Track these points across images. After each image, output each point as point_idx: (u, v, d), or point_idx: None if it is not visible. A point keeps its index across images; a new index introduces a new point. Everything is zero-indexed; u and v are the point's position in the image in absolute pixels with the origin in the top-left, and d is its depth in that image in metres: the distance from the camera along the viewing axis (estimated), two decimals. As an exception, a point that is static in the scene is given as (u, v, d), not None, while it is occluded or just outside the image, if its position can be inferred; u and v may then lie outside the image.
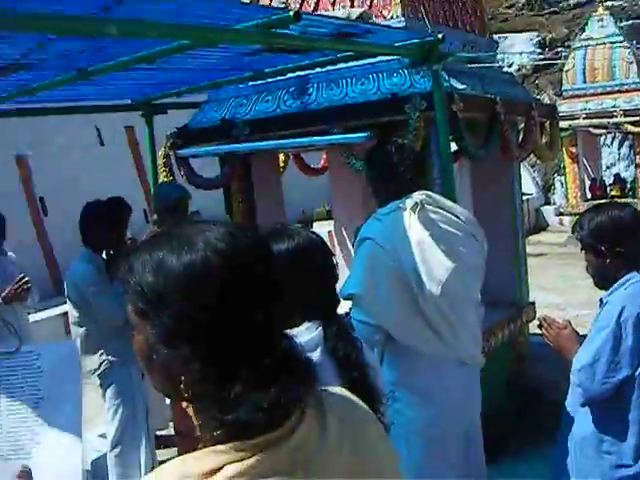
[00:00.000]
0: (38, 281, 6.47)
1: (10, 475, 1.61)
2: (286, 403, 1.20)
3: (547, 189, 21.12)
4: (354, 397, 1.47)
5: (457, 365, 3.55)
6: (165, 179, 6.07)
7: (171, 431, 5.84)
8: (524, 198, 15.72)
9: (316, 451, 1.24)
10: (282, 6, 5.41)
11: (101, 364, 4.95)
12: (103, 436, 5.46)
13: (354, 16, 4.32)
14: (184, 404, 1.29)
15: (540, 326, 3.37)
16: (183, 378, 1.22)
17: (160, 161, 6.07)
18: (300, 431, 1.22)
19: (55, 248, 12.33)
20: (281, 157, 7.15)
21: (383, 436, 1.49)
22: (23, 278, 5.56)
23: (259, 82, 5.50)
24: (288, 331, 1.32)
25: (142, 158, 13.15)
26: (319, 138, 4.94)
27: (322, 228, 13.51)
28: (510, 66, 22.10)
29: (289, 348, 1.28)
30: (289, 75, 5.28)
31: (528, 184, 19.03)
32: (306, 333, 2.19)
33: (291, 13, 3.10)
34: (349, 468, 1.30)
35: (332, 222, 7.74)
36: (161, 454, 5.44)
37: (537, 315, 6.29)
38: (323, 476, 1.24)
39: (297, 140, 5.07)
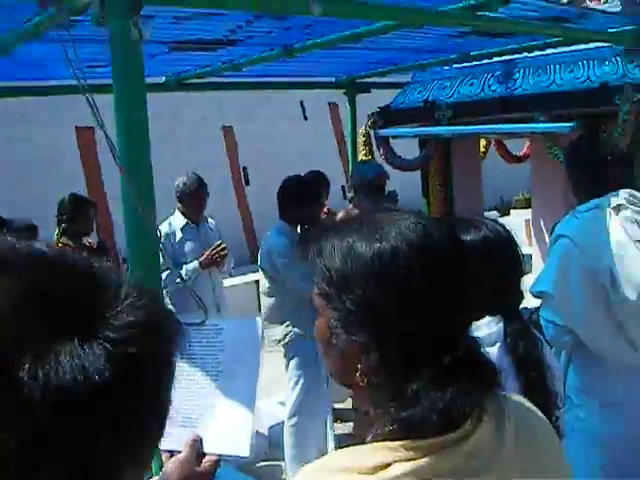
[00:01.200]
0: (235, 248, 6.74)
1: (182, 441, 1.68)
2: (463, 406, 1.16)
3: None
4: (532, 405, 1.42)
5: None
6: (364, 158, 6.13)
7: (349, 405, 5.92)
8: None
9: (491, 459, 1.19)
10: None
11: (286, 335, 5.07)
12: (282, 404, 5.61)
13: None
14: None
15: None
16: (360, 366, 1.21)
17: (360, 139, 6.14)
18: (475, 437, 1.18)
19: (254, 217, 12.75)
20: (482, 142, 7.03)
21: (559, 449, 1.43)
22: (220, 245, 5.77)
23: (464, 65, 5.43)
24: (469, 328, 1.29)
25: (344, 135, 13.32)
26: (522, 125, 4.81)
27: (520, 216, 13.23)
28: None
29: (472, 348, 1.24)
30: (495, 59, 5.17)
31: None
32: (486, 328, 2.14)
33: (499, -5, 3.02)
34: (523, 477, 1.25)
35: (530, 211, 7.54)
36: (338, 427, 5.54)
37: None
38: None
39: (499, 126, 4.96)
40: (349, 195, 5.84)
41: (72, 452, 0.72)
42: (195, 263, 5.67)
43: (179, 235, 5.78)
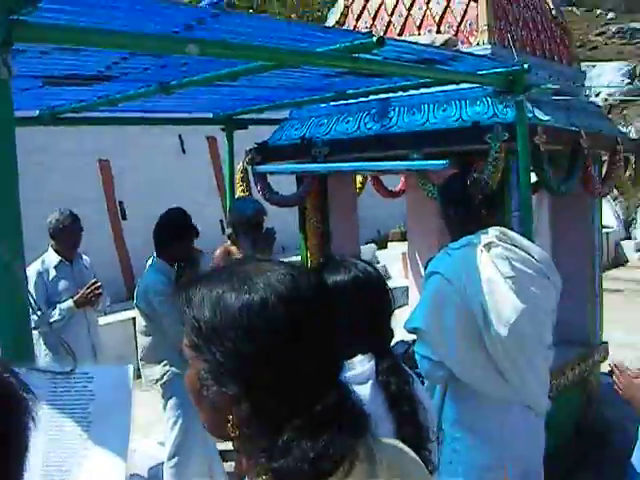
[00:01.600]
0: (112, 284, 6.59)
1: None
2: (336, 454, 1.16)
3: (628, 223, 20.61)
4: (406, 448, 1.43)
5: (521, 410, 3.43)
6: (242, 193, 6.12)
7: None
8: (604, 231, 15.44)
9: None
10: (367, 30, 5.40)
11: (164, 375, 4.99)
12: (162, 444, 5.50)
13: (439, 42, 4.28)
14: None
15: (611, 373, 3.26)
16: (231, 418, 1.21)
17: (238, 175, 6.12)
18: None
19: (131, 252, 12.52)
20: (358, 178, 7.13)
21: None
22: (95, 283, 5.67)
23: (341, 102, 5.49)
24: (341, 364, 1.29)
25: (222, 169, 13.29)
26: (397, 163, 4.90)
27: (396, 249, 13.50)
28: (597, 95, 21.69)
29: (343, 395, 1.25)
30: (371, 97, 5.26)
31: (609, 217, 18.63)
32: (359, 365, 2.18)
33: (374, 38, 3.08)
34: None
35: (407, 243, 7.69)
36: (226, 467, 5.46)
37: (610, 354, 6.13)
38: None
39: (375, 163, 5.04)
40: (227, 231, 5.81)
41: None
42: (69, 302, 5.54)
43: (52, 273, 5.63)
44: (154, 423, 6.14)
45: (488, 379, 3.34)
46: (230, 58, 3.26)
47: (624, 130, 17.55)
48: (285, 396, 1.17)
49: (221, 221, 12.86)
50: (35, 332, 5.39)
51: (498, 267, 3.27)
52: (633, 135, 17.43)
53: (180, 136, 13.74)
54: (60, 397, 1.83)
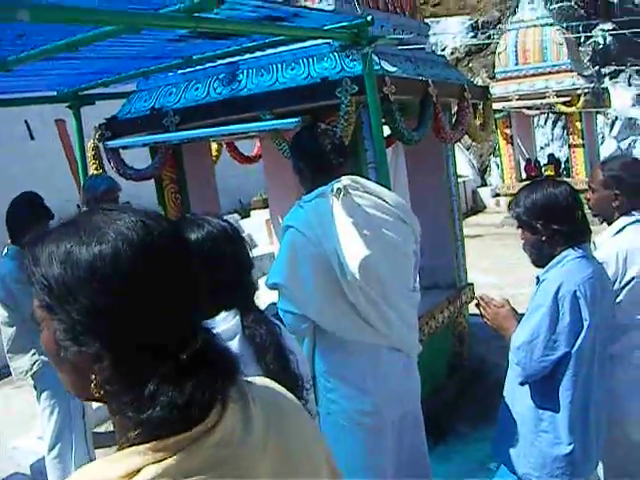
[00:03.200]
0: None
1: None
2: (205, 398, 1.14)
3: (483, 171, 21.37)
4: (278, 386, 1.43)
5: (391, 353, 3.47)
6: (95, 171, 5.93)
7: (110, 428, 5.72)
8: (460, 180, 15.90)
9: (241, 445, 1.18)
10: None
11: (33, 364, 4.81)
12: (41, 438, 5.33)
13: (281, -1, 4.25)
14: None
15: (478, 305, 3.36)
16: (94, 377, 1.16)
17: (89, 153, 5.92)
18: (222, 426, 1.17)
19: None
20: (214, 146, 7.05)
21: (311, 425, 1.45)
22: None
23: (188, 70, 5.40)
24: (205, 322, 1.26)
25: (74, 151, 12.87)
26: (249, 125, 4.85)
27: (260, 217, 13.47)
28: (443, 50, 22.27)
29: (207, 340, 1.21)
30: (218, 62, 5.19)
31: (464, 166, 19.25)
32: (223, 323, 2.14)
33: (213, -4, 3.01)
34: (277, 460, 1.25)
35: (268, 210, 7.67)
36: (100, 453, 5.33)
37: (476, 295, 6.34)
38: (251, 470, 1.19)
39: (225, 128, 4.96)
40: (77, 203, 5.64)
41: None
42: None
43: None
44: (31, 418, 5.95)
45: (352, 326, 3.37)
46: (63, 23, 3.10)
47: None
48: (146, 346, 1.13)
49: (78, 205, 12.49)
50: None
51: (349, 214, 3.29)
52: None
53: (26, 122, 13.22)
54: None
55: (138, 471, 1.09)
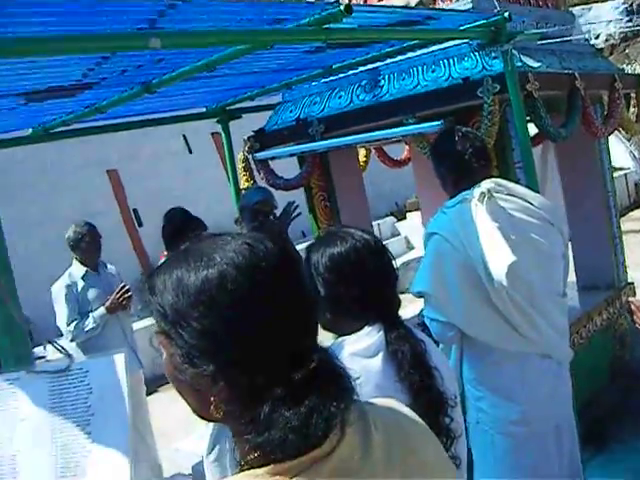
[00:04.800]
0: (137, 290, 6.61)
1: None
2: (321, 420, 1.13)
3: (646, 162, 20.38)
4: (404, 408, 1.40)
5: (541, 360, 3.36)
6: (246, 183, 6.09)
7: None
8: (622, 173, 15.24)
9: (360, 471, 1.16)
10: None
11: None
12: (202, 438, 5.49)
13: (414, 3, 4.20)
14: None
15: (629, 311, 3.21)
16: (212, 399, 1.18)
17: (240, 165, 6.09)
18: (340, 451, 1.15)
19: (152, 256, 12.57)
20: (362, 152, 7.08)
21: (438, 451, 1.40)
22: (124, 287, 5.77)
23: (331, 79, 5.46)
24: (349, 337, 1.26)
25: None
26: (392, 131, 4.84)
27: (415, 219, 13.38)
28: (597, 37, 21.45)
29: (323, 360, 1.21)
30: (360, 69, 5.21)
31: (625, 159, 18.43)
32: (367, 338, 2.11)
33: (342, 7, 3.01)
34: None
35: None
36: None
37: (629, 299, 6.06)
38: None
39: (369, 134, 4.97)
40: (235, 217, 5.81)
41: None
42: (101, 309, 5.67)
43: (81, 284, 5.76)
44: (193, 421, 6.14)
45: (500, 333, 3.28)
46: (194, 48, 3.21)
47: (628, 69, 17.36)
48: (259, 367, 1.14)
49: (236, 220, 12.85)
50: (72, 344, 5.49)
51: (494, 218, 3.21)
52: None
53: (184, 136, 13.74)
54: (59, 396, 1.84)
55: None
